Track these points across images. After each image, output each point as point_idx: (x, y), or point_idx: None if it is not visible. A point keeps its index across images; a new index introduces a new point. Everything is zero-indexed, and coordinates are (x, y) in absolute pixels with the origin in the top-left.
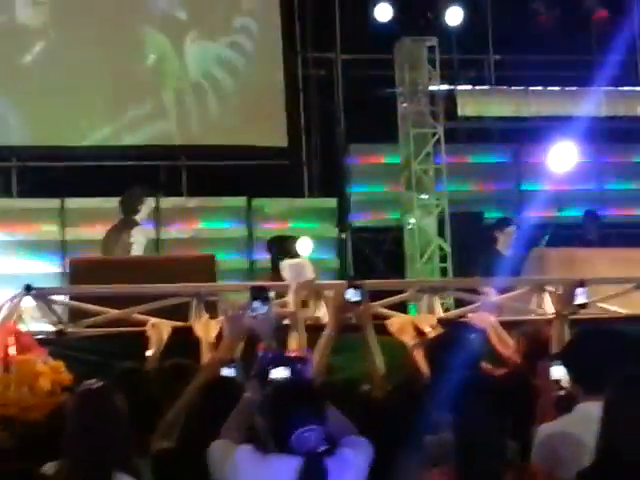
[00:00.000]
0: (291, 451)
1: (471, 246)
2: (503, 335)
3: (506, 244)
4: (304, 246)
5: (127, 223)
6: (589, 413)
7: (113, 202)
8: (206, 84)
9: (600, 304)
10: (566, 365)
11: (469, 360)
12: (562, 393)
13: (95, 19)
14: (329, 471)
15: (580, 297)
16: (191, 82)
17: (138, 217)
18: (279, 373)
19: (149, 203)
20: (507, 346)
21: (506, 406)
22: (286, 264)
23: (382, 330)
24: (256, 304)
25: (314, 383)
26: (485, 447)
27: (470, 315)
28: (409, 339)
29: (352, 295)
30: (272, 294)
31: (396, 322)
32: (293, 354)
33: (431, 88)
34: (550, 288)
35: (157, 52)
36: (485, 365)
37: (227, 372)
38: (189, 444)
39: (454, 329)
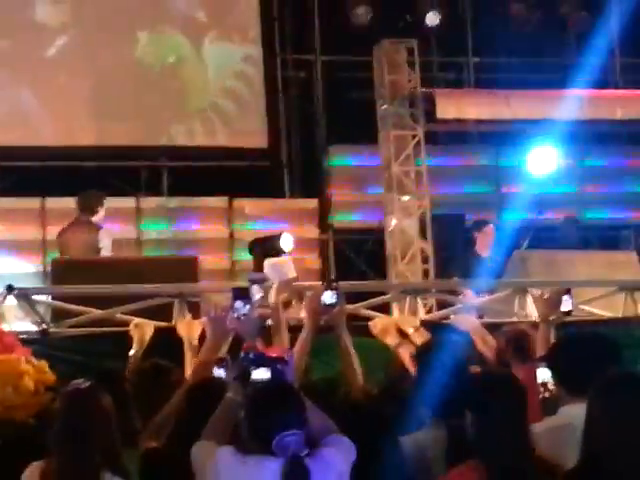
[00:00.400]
0: (273, 454)
1: (452, 247)
2: (486, 337)
3: (484, 245)
4: (286, 242)
5: (88, 225)
6: (573, 415)
7: None
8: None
9: (582, 306)
10: (550, 367)
11: (460, 362)
12: (548, 395)
13: None
14: (311, 472)
15: (565, 303)
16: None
17: (96, 218)
18: (260, 374)
19: (106, 206)
20: (490, 348)
21: None
22: (267, 263)
23: (365, 331)
24: (238, 304)
25: (294, 386)
26: (509, 443)
27: (453, 317)
28: (392, 340)
29: (328, 298)
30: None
31: (379, 323)
32: (274, 354)
33: (410, 90)
34: (533, 291)
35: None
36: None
37: (218, 372)
38: (176, 444)
39: (441, 333)
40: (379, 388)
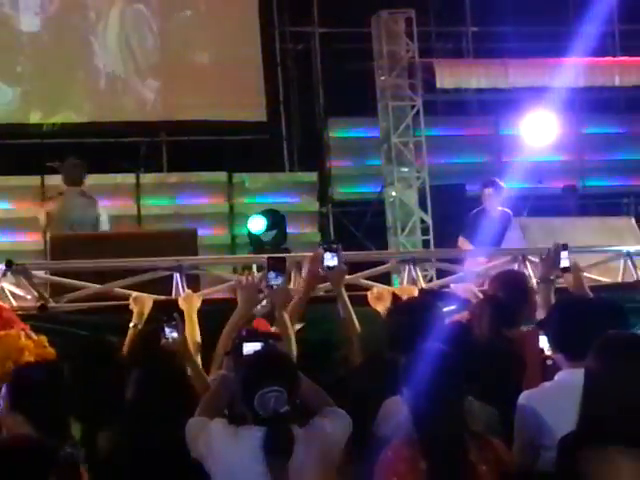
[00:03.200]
0: (256, 413)
1: (453, 218)
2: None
3: (491, 203)
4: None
5: (83, 195)
6: (570, 380)
7: (93, 179)
8: (182, 58)
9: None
10: (546, 334)
11: (436, 327)
12: (550, 362)
13: None
14: (302, 440)
15: (563, 261)
16: (165, 56)
17: (85, 188)
18: (252, 348)
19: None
20: None
21: (487, 375)
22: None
23: (365, 302)
24: (271, 275)
25: (283, 351)
26: (441, 417)
27: (453, 285)
28: (383, 308)
29: (329, 259)
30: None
31: (375, 291)
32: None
33: (409, 61)
34: (532, 257)
35: (129, 26)
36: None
37: (168, 332)
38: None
39: (422, 296)
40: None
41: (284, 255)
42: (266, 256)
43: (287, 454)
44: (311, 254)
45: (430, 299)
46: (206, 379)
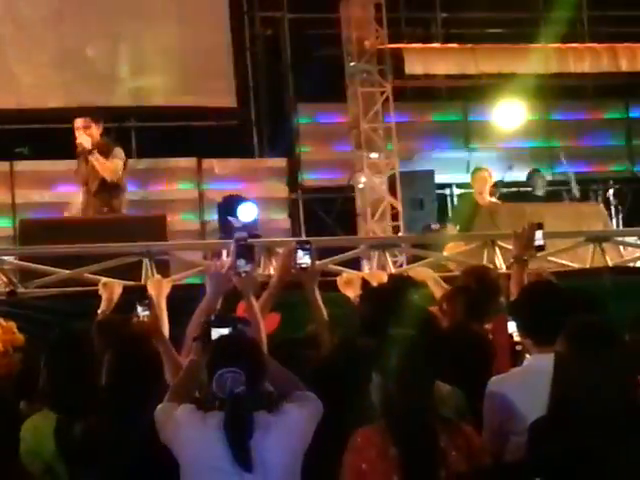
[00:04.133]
0: (214, 395)
1: (422, 204)
2: (444, 287)
3: (479, 191)
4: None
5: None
6: (539, 365)
7: (63, 165)
8: (150, 43)
9: (551, 258)
10: (515, 319)
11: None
12: (519, 348)
13: None
14: (269, 425)
15: (538, 241)
16: (133, 40)
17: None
18: (220, 333)
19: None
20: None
21: (458, 360)
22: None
23: (334, 287)
24: (240, 262)
25: (248, 335)
26: (410, 403)
27: (410, 271)
28: (352, 293)
29: (301, 257)
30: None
31: (345, 277)
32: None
33: (378, 47)
34: (502, 243)
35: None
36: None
37: (141, 310)
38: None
39: (391, 282)
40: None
41: (253, 241)
42: (235, 243)
43: (244, 435)
44: (283, 249)
45: (401, 284)
46: (178, 360)
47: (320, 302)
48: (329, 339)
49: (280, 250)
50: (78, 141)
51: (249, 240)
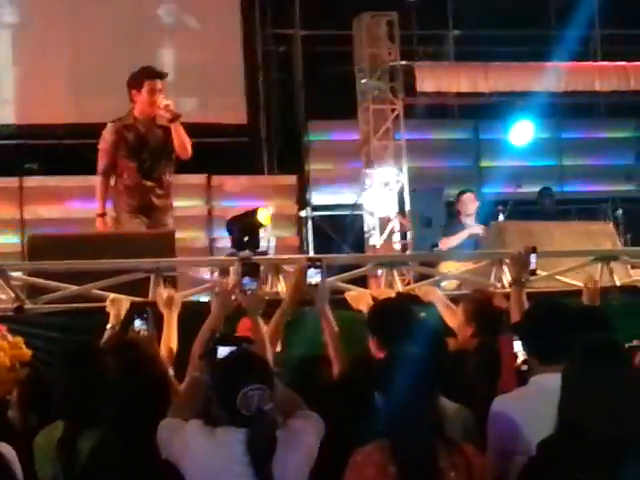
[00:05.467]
0: (237, 413)
1: (431, 222)
2: (452, 308)
3: (465, 213)
4: (263, 216)
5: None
6: (545, 384)
7: (72, 181)
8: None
9: (559, 277)
10: (520, 337)
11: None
12: (525, 368)
13: None
14: (279, 442)
15: (532, 265)
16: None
17: None
18: (225, 352)
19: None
20: (456, 318)
21: (463, 379)
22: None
23: (342, 305)
24: (246, 280)
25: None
26: (414, 422)
27: (417, 289)
28: (365, 307)
29: (312, 276)
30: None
31: (354, 293)
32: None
33: (390, 64)
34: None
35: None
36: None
37: (138, 324)
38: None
39: (399, 300)
40: (352, 361)
41: (258, 259)
42: (241, 261)
43: (271, 453)
44: (295, 267)
45: (409, 302)
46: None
47: (332, 319)
48: (341, 356)
49: (288, 268)
50: (165, 102)
51: (256, 257)
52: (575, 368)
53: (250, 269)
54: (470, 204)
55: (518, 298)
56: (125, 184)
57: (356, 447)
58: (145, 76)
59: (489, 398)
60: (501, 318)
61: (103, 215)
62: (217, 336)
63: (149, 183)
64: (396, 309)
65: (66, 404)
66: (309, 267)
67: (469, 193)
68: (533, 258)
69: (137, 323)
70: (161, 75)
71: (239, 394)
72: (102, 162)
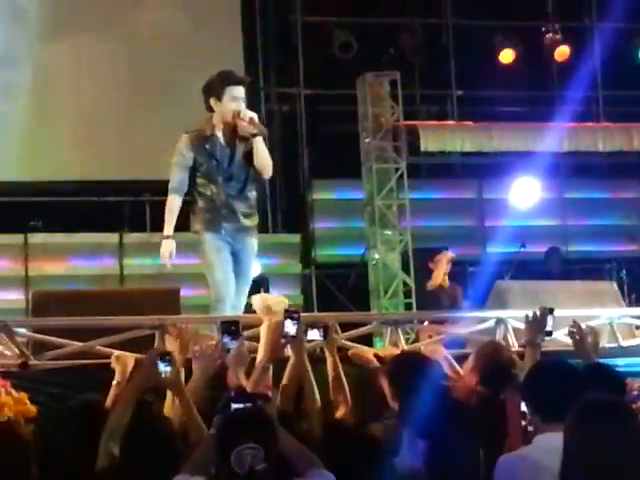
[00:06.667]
0: (232, 471)
1: None
2: (456, 367)
3: (439, 275)
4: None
5: None
6: (548, 443)
7: (77, 237)
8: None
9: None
10: (524, 398)
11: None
12: (531, 429)
13: None
14: None
15: (548, 327)
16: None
17: None
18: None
19: None
20: (460, 378)
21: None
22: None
23: (346, 361)
24: (226, 339)
25: (265, 411)
26: (462, 473)
27: (422, 348)
28: (369, 363)
29: (289, 327)
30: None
31: (357, 349)
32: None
33: (393, 123)
34: (514, 322)
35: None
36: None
37: (162, 368)
38: None
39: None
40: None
41: (237, 317)
42: (229, 320)
43: None
44: (267, 323)
45: (414, 360)
46: (199, 422)
47: (309, 373)
48: (318, 410)
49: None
50: (250, 114)
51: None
52: (573, 429)
53: (229, 327)
54: (445, 264)
55: (533, 360)
56: (205, 202)
57: None
58: (226, 82)
59: (493, 458)
60: (509, 374)
61: (168, 238)
62: (232, 393)
63: (234, 201)
64: (419, 363)
65: (70, 461)
66: (287, 318)
67: (445, 252)
68: (550, 320)
69: (161, 365)
70: (244, 81)
71: (233, 452)
72: (175, 178)
